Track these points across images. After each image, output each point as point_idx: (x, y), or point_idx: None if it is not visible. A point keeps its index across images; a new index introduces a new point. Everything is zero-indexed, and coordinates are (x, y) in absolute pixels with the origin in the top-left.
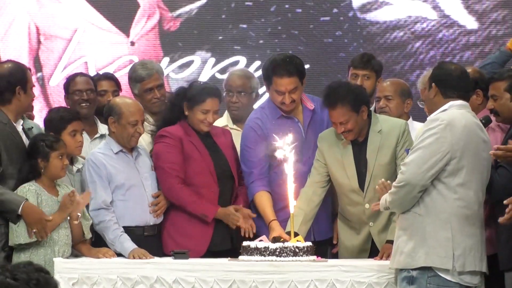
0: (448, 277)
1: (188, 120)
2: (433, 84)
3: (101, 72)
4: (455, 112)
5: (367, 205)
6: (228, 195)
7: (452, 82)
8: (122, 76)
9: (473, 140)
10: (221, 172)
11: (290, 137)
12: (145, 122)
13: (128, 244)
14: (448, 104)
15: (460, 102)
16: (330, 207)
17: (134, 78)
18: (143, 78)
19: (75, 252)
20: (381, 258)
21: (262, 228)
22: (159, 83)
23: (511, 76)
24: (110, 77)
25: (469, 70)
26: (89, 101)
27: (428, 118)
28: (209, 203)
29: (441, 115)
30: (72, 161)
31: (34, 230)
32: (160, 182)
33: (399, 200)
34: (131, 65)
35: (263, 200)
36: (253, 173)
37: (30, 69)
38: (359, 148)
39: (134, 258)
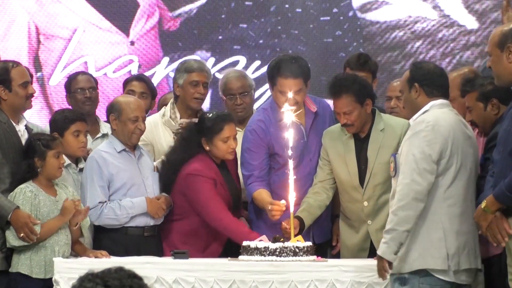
0: (443, 277)
1: (210, 154)
2: (415, 84)
3: (103, 72)
4: (437, 112)
5: (365, 203)
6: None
7: (435, 81)
8: (121, 76)
9: (459, 138)
10: (234, 201)
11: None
12: (172, 122)
13: (138, 203)
14: (429, 105)
15: (440, 101)
16: (329, 210)
17: (184, 68)
18: (194, 69)
19: (74, 253)
20: None
21: (262, 228)
22: (206, 80)
23: (481, 85)
24: (141, 79)
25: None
26: (91, 99)
27: (411, 121)
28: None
29: (426, 117)
30: (76, 160)
31: (22, 235)
32: (208, 214)
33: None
34: (130, 64)
35: (262, 194)
36: (252, 175)
37: (17, 65)
38: (361, 144)
39: (152, 211)
